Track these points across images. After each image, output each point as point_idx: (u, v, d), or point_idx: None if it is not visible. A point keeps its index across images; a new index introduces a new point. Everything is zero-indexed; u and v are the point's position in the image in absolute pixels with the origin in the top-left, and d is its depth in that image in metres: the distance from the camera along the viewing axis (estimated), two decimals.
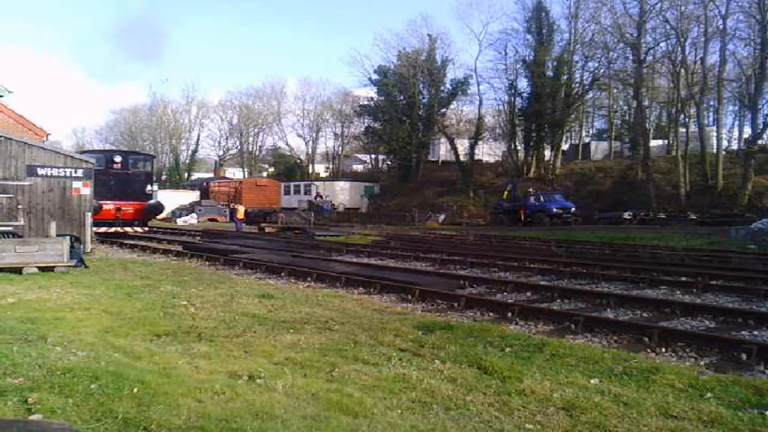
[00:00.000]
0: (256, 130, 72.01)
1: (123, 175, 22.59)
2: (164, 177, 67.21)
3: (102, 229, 21.39)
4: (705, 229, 26.18)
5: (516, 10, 63.89)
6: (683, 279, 11.64)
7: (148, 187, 23.48)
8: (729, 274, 12.14)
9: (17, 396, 4.01)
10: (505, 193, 36.53)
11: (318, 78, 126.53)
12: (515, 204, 34.94)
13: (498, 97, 63.40)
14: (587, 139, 55.56)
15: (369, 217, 42.07)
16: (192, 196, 46.26)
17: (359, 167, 67.71)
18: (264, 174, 68.41)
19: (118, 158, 22.88)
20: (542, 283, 11.41)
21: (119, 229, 21.90)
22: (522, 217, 34.15)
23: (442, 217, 39.14)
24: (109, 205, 21.47)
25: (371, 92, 54.22)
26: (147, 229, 23.69)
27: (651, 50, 39.42)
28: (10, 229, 13.89)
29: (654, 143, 42.83)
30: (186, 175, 70.51)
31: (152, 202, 23.23)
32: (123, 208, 22.02)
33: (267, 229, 30.32)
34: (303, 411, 4.03)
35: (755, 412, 4.23)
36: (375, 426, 3.83)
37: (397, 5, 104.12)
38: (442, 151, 54.15)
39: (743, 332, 7.38)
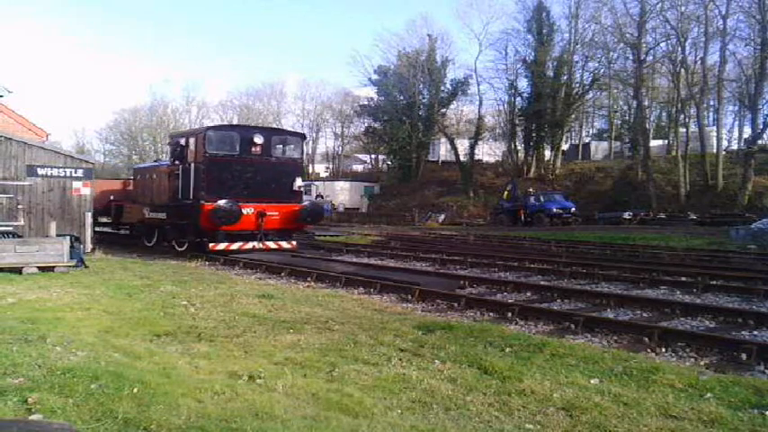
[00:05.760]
0: None
1: (265, 163, 15.81)
2: None
3: (236, 245, 15.00)
4: (705, 229, 26.20)
5: (516, 10, 63.60)
6: (683, 279, 11.62)
7: (298, 182, 16.41)
8: (729, 274, 12.13)
9: (17, 396, 4.01)
10: (505, 193, 36.56)
11: (318, 78, 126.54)
12: (515, 204, 34.99)
13: (498, 97, 63.54)
14: (587, 139, 55.64)
15: (369, 217, 42.02)
16: None
17: (359, 167, 67.67)
18: None
19: (259, 139, 15.54)
20: (542, 283, 11.40)
21: (258, 244, 15.25)
22: (522, 217, 34.20)
23: (442, 217, 39.14)
24: (248, 209, 14.88)
25: (371, 92, 54.33)
26: (295, 244, 16.52)
27: (651, 50, 39.51)
28: (10, 229, 13.88)
29: (654, 143, 42.89)
30: None
31: (307, 204, 16.72)
32: (268, 213, 15.29)
33: None
34: (303, 411, 4.03)
35: (755, 412, 4.23)
36: (375, 426, 3.83)
37: (397, 5, 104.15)
38: (442, 151, 54.16)
39: (743, 332, 7.37)
